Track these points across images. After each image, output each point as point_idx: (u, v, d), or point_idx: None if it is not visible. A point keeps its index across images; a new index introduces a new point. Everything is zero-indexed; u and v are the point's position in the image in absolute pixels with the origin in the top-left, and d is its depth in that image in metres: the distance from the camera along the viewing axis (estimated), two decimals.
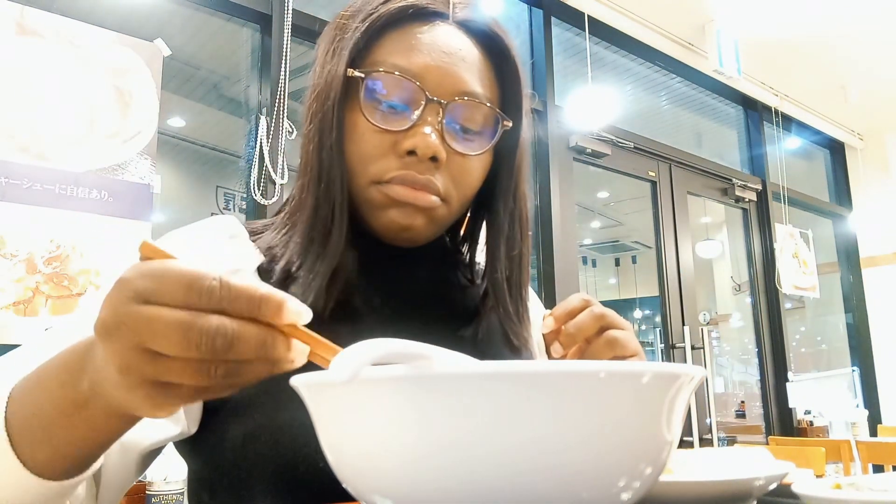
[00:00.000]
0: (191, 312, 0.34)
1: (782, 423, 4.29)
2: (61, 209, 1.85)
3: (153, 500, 1.45)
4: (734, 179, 4.33)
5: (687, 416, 0.74)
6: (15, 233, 1.78)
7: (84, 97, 1.93)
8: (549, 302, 3.08)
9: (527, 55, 3.48)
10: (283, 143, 2.36)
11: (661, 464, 0.36)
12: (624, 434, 0.33)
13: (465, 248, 0.80)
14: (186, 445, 0.65)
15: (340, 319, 0.65)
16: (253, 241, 0.70)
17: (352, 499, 0.38)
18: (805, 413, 4.32)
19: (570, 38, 3.69)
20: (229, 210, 2.66)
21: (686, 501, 0.48)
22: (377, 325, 0.67)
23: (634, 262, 8.05)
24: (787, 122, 4.78)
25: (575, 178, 3.46)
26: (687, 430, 3.41)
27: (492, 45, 0.70)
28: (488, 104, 0.67)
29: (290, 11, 2.43)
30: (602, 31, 3.60)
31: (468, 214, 0.78)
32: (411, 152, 0.63)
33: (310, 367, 0.38)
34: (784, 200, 4.57)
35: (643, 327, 8.25)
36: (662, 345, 3.73)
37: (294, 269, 0.65)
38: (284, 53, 2.41)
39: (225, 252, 0.68)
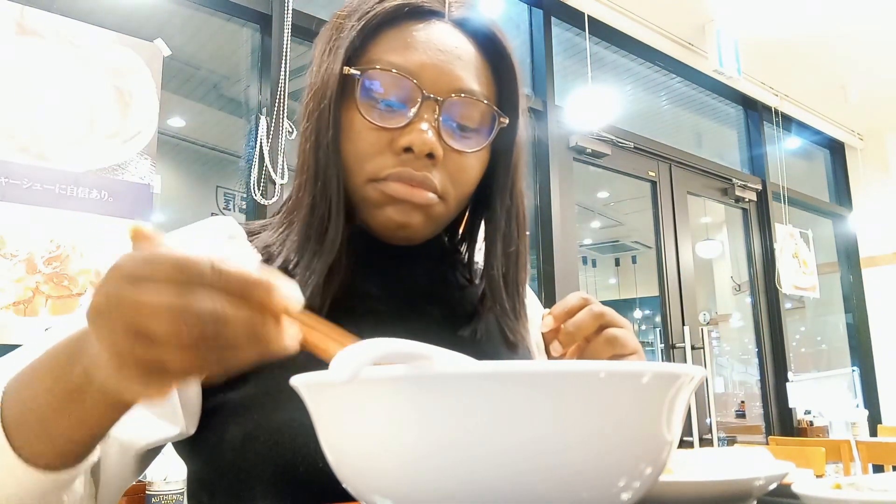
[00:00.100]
0: (182, 294, 0.34)
1: (782, 423, 4.29)
2: (61, 209, 1.85)
3: (153, 500, 1.45)
4: (734, 179, 4.33)
5: (687, 416, 0.74)
6: (15, 233, 1.78)
7: (84, 97, 1.93)
8: (549, 302, 3.07)
9: (527, 55, 3.48)
10: (283, 143, 2.36)
11: (661, 464, 0.36)
12: (624, 434, 0.33)
13: (463, 248, 0.80)
14: (185, 446, 0.65)
15: (338, 319, 0.65)
16: (250, 241, 0.71)
17: (352, 499, 0.38)
18: (805, 413, 4.32)
19: (570, 38, 3.69)
20: (229, 210, 2.66)
21: (686, 501, 0.48)
22: (375, 324, 0.67)
23: (634, 262, 8.05)
24: (787, 122, 4.78)
25: (575, 178, 3.46)
26: (687, 430, 3.41)
27: (488, 43, 0.70)
28: (485, 101, 0.67)
29: (290, 11, 2.43)
30: (602, 31, 3.60)
31: (466, 214, 0.78)
32: (408, 149, 0.63)
33: (308, 366, 0.38)
34: (784, 200, 4.57)
35: (643, 327, 8.25)
36: (662, 345, 3.73)
37: (291, 266, 0.65)
38: (284, 53, 2.41)
39: (222, 252, 0.68)
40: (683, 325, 3.74)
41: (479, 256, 0.79)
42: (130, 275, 0.35)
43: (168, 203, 2.41)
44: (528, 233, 0.75)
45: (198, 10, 2.40)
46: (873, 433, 3.85)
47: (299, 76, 2.44)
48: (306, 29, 2.47)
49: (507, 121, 0.69)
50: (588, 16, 3.44)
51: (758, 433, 4.31)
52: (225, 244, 0.69)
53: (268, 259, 0.67)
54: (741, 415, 4.59)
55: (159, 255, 0.35)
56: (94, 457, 0.50)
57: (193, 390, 0.61)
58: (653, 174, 3.89)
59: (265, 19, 2.48)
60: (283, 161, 2.34)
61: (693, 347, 3.67)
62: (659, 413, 0.34)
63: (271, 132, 2.35)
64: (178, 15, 2.36)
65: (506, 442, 0.31)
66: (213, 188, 2.73)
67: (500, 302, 0.71)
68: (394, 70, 0.64)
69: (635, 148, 3.74)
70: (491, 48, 0.70)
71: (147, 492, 1.46)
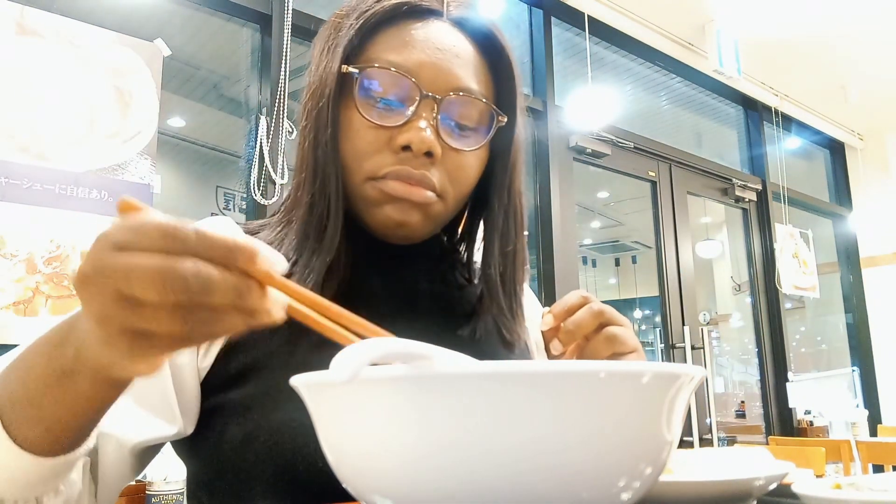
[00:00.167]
0: (167, 256, 0.34)
1: (782, 423, 4.30)
2: (61, 209, 1.85)
3: (153, 500, 1.45)
4: (734, 179, 4.33)
5: (687, 416, 0.74)
6: (15, 233, 1.78)
7: (84, 97, 1.93)
8: (549, 302, 3.07)
9: (527, 55, 3.48)
10: (283, 143, 2.36)
11: (661, 464, 0.36)
12: (624, 434, 0.33)
13: (462, 248, 0.80)
14: (185, 446, 0.65)
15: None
16: None
17: (352, 499, 0.38)
18: (805, 413, 4.32)
19: (570, 38, 3.69)
20: (229, 210, 2.67)
21: (686, 501, 0.48)
22: (373, 323, 0.67)
23: (634, 262, 8.05)
24: (787, 122, 4.78)
25: (575, 178, 3.46)
26: (687, 430, 3.41)
27: (486, 42, 0.70)
28: (483, 100, 0.67)
29: (290, 11, 2.43)
30: (602, 31, 3.60)
31: (466, 213, 0.78)
32: (406, 147, 0.63)
33: (308, 366, 0.38)
34: (784, 200, 4.57)
35: (643, 327, 8.25)
36: (662, 345, 3.73)
37: (289, 265, 0.65)
38: (284, 53, 2.41)
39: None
40: (683, 325, 3.74)
41: (478, 256, 0.79)
42: (117, 242, 0.35)
43: (168, 203, 2.40)
44: (526, 232, 0.75)
45: (198, 10, 2.40)
46: (873, 433, 3.85)
47: (299, 76, 2.43)
48: (306, 29, 2.47)
49: (505, 119, 0.69)
50: (588, 16, 3.44)
51: (758, 433, 4.31)
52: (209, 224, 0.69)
53: None
54: (741, 415, 4.59)
55: (145, 222, 0.35)
56: (88, 444, 0.50)
57: (192, 390, 0.61)
58: (653, 174, 3.89)
59: (265, 19, 2.48)
60: (283, 161, 2.34)
61: (693, 347, 3.67)
62: (659, 413, 0.34)
63: (271, 132, 2.35)
64: (178, 15, 2.36)
65: (506, 442, 0.31)
66: (213, 188, 2.74)
67: (498, 301, 0.71)
68: (392, 69, 0.64)
69: (635, 148, 3.74)
70: (489, 47, 0.70)
71: (147, 492, 1.46)
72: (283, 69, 2.38)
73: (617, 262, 8.47)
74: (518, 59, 0.73)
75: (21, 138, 1.82)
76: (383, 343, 0.32)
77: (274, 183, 2.33)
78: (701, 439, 3.44)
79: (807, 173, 5.27)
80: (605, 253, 8.18)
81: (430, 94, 0.64)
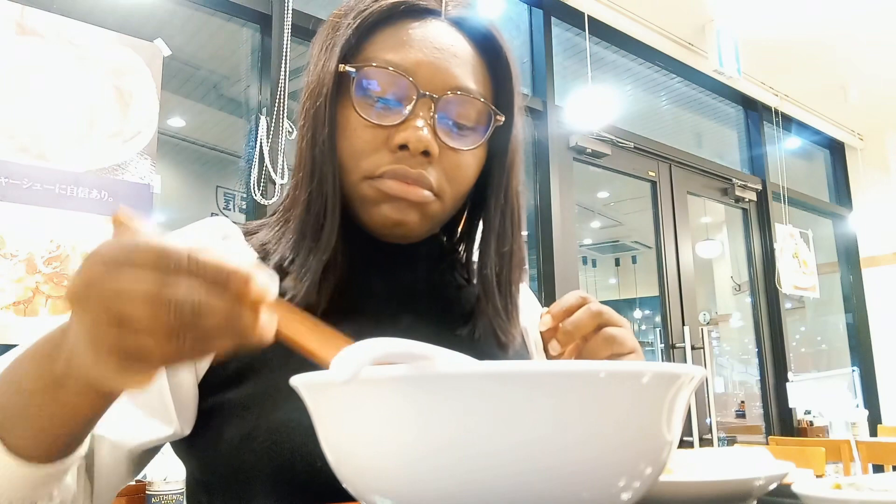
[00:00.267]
0: (160, 280, 0.34)
1: (782, 423, 4.30)
2: (61, 209, 1.85)
3: (153, 500, 1.45)
4: (734, 179, 4.33)
5: (687, 416, 0.74)
6: (15, 233, 1.78)
7: (84, 97, 1.93)
8: (549, 302, 3.07)
9: (527, 55, 3.48)
10: (283, 143, 2.36)
11: (661, 464, 0.36)
12: (624, 434, 0.33)
13: (461, 248, 0.80)
14: (183, 446, 0.65)
15: (335, 317, 0.65)
16: (247, 240, 0.71)
17: (352, 499, 0.38)
18: (805, 413, 4.32)
19: (570, 38, 3.69)
20: (229, 210, 2.67)
21: (686, 501, 0.48)
22: (373, 323, 0.67)
23: (634, 262, 8.05)
24: (787, 122, 4.78)
25: (575, 178, 3.46)
26: (687, 430, 3.41)
27: (484, 42, 0.70)
28: (481, 99, 0.67)
29: (290, 11, 2.43)
30: (602, 31, 3.60)
31: (465, 214, 0.78)
32: (403, 146, 0.63)
33: (305, 367, 0.38)
34: (784, 200, 4.57)
35: (643, 327, 8.25)
36: (662, 345, 3.73)
37: (286, 264, 0.65)
38: (284, 53, 2.41)
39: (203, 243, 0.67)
40: (683, 325, 3.74)
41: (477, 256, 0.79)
42: (109, 261, 0.35)
43: (168, 203, 2.41)
44: (524, 232, 0.75)
45: (198, 10, 2.40)
46: (873, 433, 3.85)
47: (299, 76, 2.43)
48: (306, 29, 2.47)
49: (503, 119, 0.69)
50: (588, 16, 3.44)
51: (758, 433, 4.31)
52: (219, 245, 0.69)
53: (264, 257, 0.67)
54: (741, 415, 4.59)
55: (138, 242, 0.35)
56: (82, 450, 0.50)
57: (189, 391, 0.61)
58: (653, 174, 3.89)
59: (265, 19, 2.48)
60: (283, 161, 2.34)
61: (693, 347, 3.67)
62: (659, 413, 0.34)
63: (271, 132, 2.36)
64: (178, 15, 2.36)
65: (506, 442, 0.31)
66: (213, 188, 2.74)
67: (493, 301, 0.71)
68: (389, 68, 0.64)
69: (635, 148, 3.74)
70: (487, 47, 0.70)
71: (147, 492, 1.46)
72: (283, 69, 2.38)
73: (617, 262, 8.47)
74: (518, 58, 0.73)
75: (21, 138, 1.82)
76: (384, 343, 0.32)
77: (274, 183, 2.33)
78: (701, 439, 3.44)
79: (807, 173, 5.27)
80: (605, 253, 8.18)
81: (428, 93, 0.64)
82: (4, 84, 1.81)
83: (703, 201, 4.39)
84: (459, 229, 0.80)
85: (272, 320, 0.37)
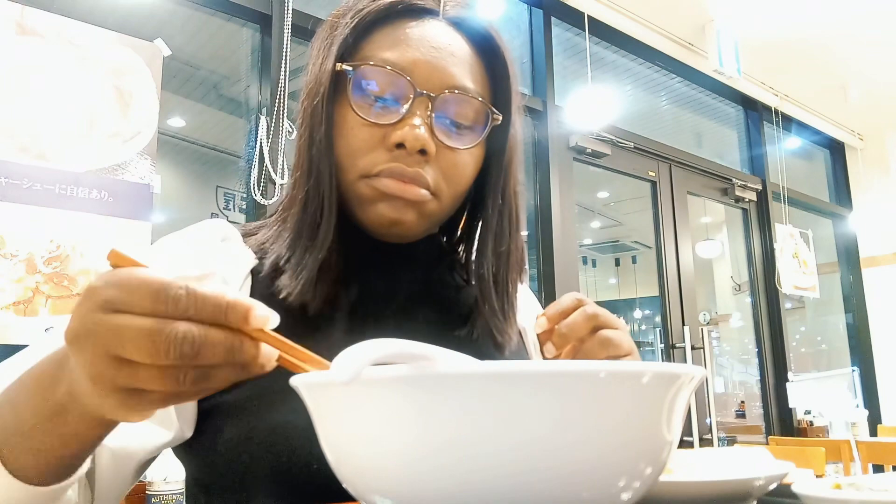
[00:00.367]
0: (158, 320, 0.34)
1: (782, 423, 4.29)
2: (61, 209, 1.85)
3: (153, 500, 1.45)
4: (734, 179, 4.33)
5: (687, 416, 0.74)
6: (15, 233, 1.78)
7: (84, 97, 1.93)
8: (549, 302, 3.07)
9: (527, 55, 3.48)
10: (283, 143, 2.36)
11: (661, 464, 0.36)
12: (624, 434, 0.33)
13: (461, 249, 0.80)
14: (182, 448, 0.65)
15: (333, 316, 0.65)
16: (245, 241, 0.71)
17: (351, 499, 0.38)
18: (805, 413, 4.31)
19: (570, 38, 3.69)
20: (229, 210, 2.66)
21: (686, 501, 0.48)
22: (370, 323, 0.67)
23: (634, 262, 8.05)
24: (787, 122, 4.78)
25: (575, 178, 3.46)
26: (687, 430, 3.41)
27: (482, 41, 0.70)
28: (478, 98, 0.67)
29: (290, 11, 2.43)
30: (602, 31, 3.60)
31: (465, 214, 0.78)
32: (400, 145, 0.63)
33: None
34: (784, 200, 4.57)
35: (643, 327, 8.25)
36: (662, 345, 3.73)
37: (282, 262, 0.65)
38: (284, 53, 2.41)
39: (216, 256, 0.67)
40: (683, 325, 3.74)
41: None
42: (107, 300, 0.35)
43: (168, 203, 2.40)
44: (524, 232, 0.75)
45: (198, 10, 2.40)
46: (873, 433, 3.85)
47: (299, 76, 2.43)
48: (306, 29, 2.47)
49: (500, 118, 0.69)
50: (588, 16, 3.44)
51: (758, 433, 4.31)
52: (218, 247, 0.69)
53: (262, 257, 0.67)
54: (741, 415, 4.59)
55: (135, 278, 0.35)
56: (83, 469, 0.50)
57: None
58: (653, 174, 3.89)
59: (265, 19, 2.48)
60: (283, 161, 2.34)
61: (693, 347, 3.67)
62: (659, 413, 0.34)
63: (271, 132, 2.36)
64: (178, 15, 2.36)
65: (506, 442, 0.31)
66: (213, 188, 2.74)
67: (490, 301, 0.70)
68: (387, 66, 0.64)
69: (635, 148, 3.74)
70: (485, 46, 0.70)
71: (147, 492, 1.46)
72: (283, 69, 2.38)
73: (617, 262, 8.47)
74: (518, 58, 0.73)
75: (21, 138, 1.82)
76: (384, 344, 0.32)
77: (274, 183, 2.33)
78: (701, 439, 3.44)
79: (807, 173, 5.27)
80: (605, 253, 8.18)
81: (425, 91, 0.64)
82: (4, 84, 1.81)
83: (703, 201, 4.39)
84: (459, 230, 0.80)
85: (272, 350, 0.37)
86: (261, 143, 2.32)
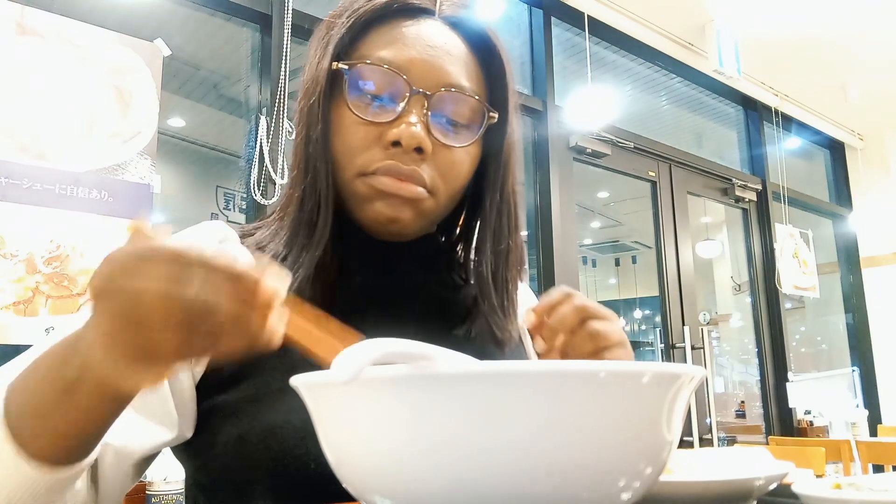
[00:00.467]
0: (173, 283, 0.36)
1: (782, 423, 4.29)
2: (61, 209, 1.84)
3: (153, 500, 1.45)
4: (734, 179, 4.33)
5: (687, 416, 0.74)
6: (15, 233, 1.78)
7: (84, 97, 1.93)
8: None
9: (527, 55, 3.48)
10: (283, 143, 2.36)
11: (661, 464, 0.36)
12: (624, 434, 0.33)
13: (459, 248, 0.80)
14: (181, 448, 0.65)
15: (331, 315, 0.65)
16: (243, 242, 0.71)
17: (350, 498, 0.38)
18: (805, 413, 4.31)
19: (570, 38, 3.69)
20: (229, 210, 2.67)
21: (686, 501, 0.48)
22: (368, 321, 0.67)
23: (634, 262, 8.05)
24: (787, 122, 4.78)
25: (575, 178, 3.46)
26: (687, 430, 3.41)
27: (478, 40, 0.70)
28: (474, 97, 0.67)
29: (290, 11, 2.43)
30: (602, 31, 3.60)
31: (464, 213, 0.78)
32: (396, 143, 0.63)
33: (300, 368, 0.38)
34: (784, 200, 4.57)
35: (643, 327, 8.25)
36: (662, 345, 3.73)
37: (279, 260, 0.65)
38: (284, 53, 2.41)
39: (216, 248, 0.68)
40: (683, 325, 3.74)
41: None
42: (125, 265, 0.38)
43: (168, 203, 2.41)
44: (523, 231, 0.75)
45: (198, 10, 2.40)
46: (873, 433, 3.85)
47: (299, 76, 2.43)
48: (306, 29, 2.47)
49: (496, 116, 0.69)
50: (588, 16, 3.44)
51: (758, 433, 4.31)
52: (216, 248, 0.69)
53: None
54: (741, 415, 4.59)
55: (154, 246, 0.38)
56: (94, 455, 0.51)
57: (188, 394, 0.61)
58: (653, 174, 3.89)
59: (265, 19, 2.48)
60: (283, 161, 2.34)
61: (693, 347, 3.67)
62: (659, 413, 0.34)
63: (271, 132, 2.36)
64: (178, 15, 2.36)
65: (506, 442, 0.31)
66: (213, 188, 2.74)
67: (489, 299, 0.71)
68: (383, 65, 0.64)
69: (635, 148, 3.74)
70: (481, 45, 0.70)
71: (147, 492, 1.46)
72: (282, 69, 2.38)
73: (617, 262, 8.47)
74: (518, 58, 0.73)
75: (21, 138, 1.82)
76: (385, 343, 0.32)
77: (274, 183, 2.33)
78: (701, 439, 3.44)
79: (807, 173, 5.27)
80: (605, 253, 8.18)
81: (421, 90, 0.64)
82: (4, 84, 1.81)
83: (703, 201, 4.39)
84: (458, 229, 0.80)
85: (281, 323, 0.39)
86: (261, 143, 2.32)
